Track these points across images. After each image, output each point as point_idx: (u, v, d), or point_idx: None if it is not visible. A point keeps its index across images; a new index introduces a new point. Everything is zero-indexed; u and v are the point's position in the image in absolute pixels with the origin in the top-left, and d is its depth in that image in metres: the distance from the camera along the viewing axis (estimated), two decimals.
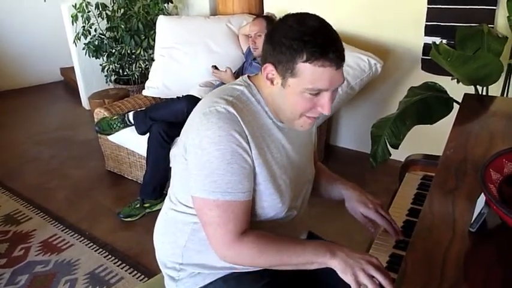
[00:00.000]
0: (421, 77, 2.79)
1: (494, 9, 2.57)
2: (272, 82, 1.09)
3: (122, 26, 3.86)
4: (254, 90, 1.15)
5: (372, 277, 0.97)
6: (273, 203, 1.15)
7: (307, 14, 1.07)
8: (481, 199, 0.99)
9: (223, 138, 1.04)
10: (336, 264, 1.01)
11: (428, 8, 2.77)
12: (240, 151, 1.05)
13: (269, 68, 1.08)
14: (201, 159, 1.06)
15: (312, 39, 1.01)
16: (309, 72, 1.02)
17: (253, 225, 1.13)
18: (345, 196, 1.34)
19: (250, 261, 1.10)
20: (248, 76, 1.20)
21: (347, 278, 0.99)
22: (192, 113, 1.15)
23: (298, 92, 1.05)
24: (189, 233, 1.20)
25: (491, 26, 2.54)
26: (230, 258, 1.10)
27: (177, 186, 1.24)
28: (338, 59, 1.03)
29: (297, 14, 1.08)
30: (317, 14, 1.07)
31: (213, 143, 1.04)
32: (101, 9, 3.87)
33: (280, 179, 1.16)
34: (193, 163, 1.09)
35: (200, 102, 1.15)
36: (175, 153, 1.20)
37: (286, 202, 1.18)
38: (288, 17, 1.08)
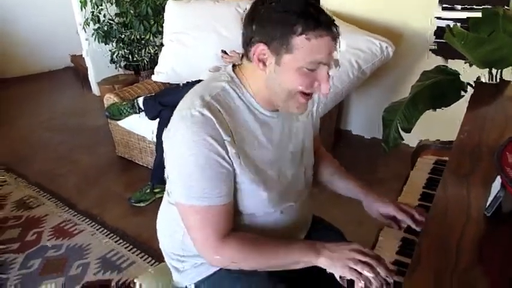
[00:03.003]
0: (433, 61, 2.76)
1: None
2: (264, 63, 1.03)
3: (131, 12, 3.84)
4: (237, 83, 1.10)
5: (361, 262, 0.97)
6: (260, 199, 1.13)
7: None
8: (497, 183, 0.97)
9: (197, 143, 1.01)
10: (322, 261, 1.01)
11: None
12: (215, 156, 1.02)
13: (260, 48, 1.02)
14: (177, 164, 1.05)
15: (304, 9, 0.97)
16: (305, 45, 0.98)
17: (247, 222, 1.13)
18: (363, 200, 1.31)
19: (236, 264, 1.09)
20: (233, 65, 1.15)
21: (337, 270, 0.99)
22: (175, 110, 1.11)
23: (295, 69, 1.01)
24: (184, 227, 1.19)
25: (507, 8, 2.48)
26: (216, 262, 1.11)
27: (168, 182, 1.22)
28: (334, 27, 1.00)
29: None
30: None
31: (187, 148, 1.02)
32: None
33: (266, 175, 1.13)
34: (171, 167, 1.08)
35: (182, 99, 1.12)
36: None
37: (274, 198, 1.15)
38: None
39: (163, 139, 1.13)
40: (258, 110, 1.11)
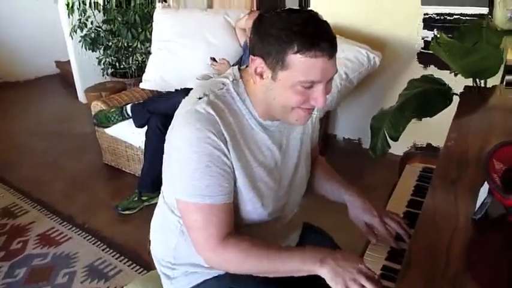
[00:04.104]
0: (419, 70, 2.81)
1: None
2: (261, 76, 1.04)
3: (119, 19, 3.83)
4: (241, 88, 1.11)
5: (362, 286, 0.94)
6: (254, 206, 1.12)
7: (296, 8, 1.05)
8: (484, 188, 0.99)
9: (200, 140, 1.01)
10: (325, 272, 0.97)
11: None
12: (218, 153, 1.02)
13: (257, 61, 1.02)
14: (180, 161, 1.05)
15: (302, 28, 0.96)
16: (301, 64, 0.97)
17: (240, 228, 1.11)
18: (347, 203, 1.28)
19: (236, 266, 1.07)
20: (239, 68, 1.15)
21: (337, 287, 0.95)
22: (178, 108, 1.11)
23: (289, 86, 1.00)
24: (178, 235, 1.19)
25: (490, 16, 2.54)
26: (215, 262, 1.09)
27: (165, 186, 1.22)
28: (330, 48, 0.98)
29: (285, 8, 1.05)
30: (307, 8, 1.05)
31: (190, 144, 1.02)
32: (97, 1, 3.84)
33: (261, 182, 1.12)
34: (174, 164, 1.07)
35: (187, 97, 1.12)
36: (164, 151, 1.16)
37: (269, 205, 1.15)
38: (275, 10, 1.04)
39: (166, 137, 1.12)
40: (257, 118, 1.11)
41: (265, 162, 1.13)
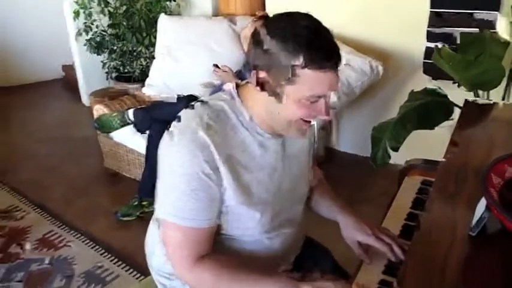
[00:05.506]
0: (422, 81, 2.80)
1: (497, 14, 2.57)
2: (263, 88, 1.01)
3: (124, 23, 3.85)
4: (237, 104, 1.08)
5: None
6: (250, 225, 1.11)
7: (298, 13, 0.99)
8: (482, 203, 0.99)
9: (190, 164, 1.00)
10: None
11: (430, 11, 2.77)
12: (206, 178, 1.01)
13: (261, 75, 1.00)
14: (168, 181, 1.04)
15: (310, 41, 0.93)
16: (308, 78, 0.95)
17: (236, 246, 1.11)
18: (340, 223, 1.27)
19: (207, 286, 1.07)
20: (237, 84, 1.12)
21: None
22: (171, 124, 1.09)
23: (295, 100, 0.98)
24: None
25: (494, 31, 2.54)
26: (189, 281, 1.09)
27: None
28: (338, 61, 0.97)
29: (287, 13, 1.00)
30: (308, 13, 1.00)
31: (180, 167, 1.01)
32: (103, 5, 3.86)
33: (259, 200, 1.10)
34: (161, 182, 1.06)
35: (180, 117, 1.09)
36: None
37: (265, 223, 1.13)
38: (278, 17, 1.00)
39: (159, 151, 1.10)
40: (257, 132, 1.09)
41: (261, 179, 1.11)
